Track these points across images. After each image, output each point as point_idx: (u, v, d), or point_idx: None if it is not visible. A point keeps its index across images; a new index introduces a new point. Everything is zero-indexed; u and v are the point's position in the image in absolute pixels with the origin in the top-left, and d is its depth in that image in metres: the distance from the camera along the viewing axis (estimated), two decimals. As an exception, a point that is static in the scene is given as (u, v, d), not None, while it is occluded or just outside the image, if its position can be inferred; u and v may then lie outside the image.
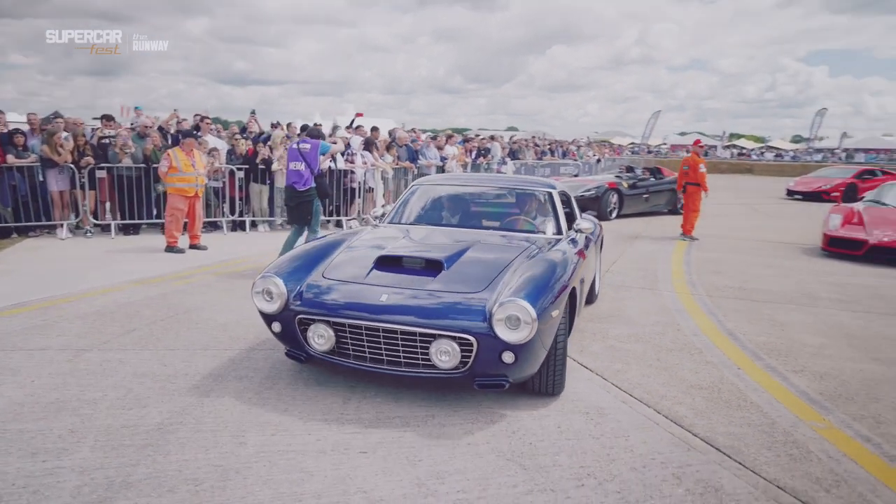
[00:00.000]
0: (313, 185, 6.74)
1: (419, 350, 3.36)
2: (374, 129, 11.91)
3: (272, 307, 3.64)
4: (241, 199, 9.97)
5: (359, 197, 10.74)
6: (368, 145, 10.94)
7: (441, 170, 13.70)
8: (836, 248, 8.91)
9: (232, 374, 3.96)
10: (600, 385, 3.92)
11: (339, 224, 10.59)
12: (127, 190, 9.16)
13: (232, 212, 9.95)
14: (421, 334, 3.32)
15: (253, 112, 11.38)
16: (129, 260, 7.49)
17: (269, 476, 2.76)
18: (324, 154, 6.86)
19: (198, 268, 7.18)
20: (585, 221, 4.96)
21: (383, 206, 11.82)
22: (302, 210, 6.78)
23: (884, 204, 9.64)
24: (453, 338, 3.26)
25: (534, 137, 21.86)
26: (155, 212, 9.56)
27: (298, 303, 3.59)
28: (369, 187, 11.06)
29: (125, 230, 9.38)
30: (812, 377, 4.17)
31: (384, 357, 3.44)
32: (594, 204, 12.74)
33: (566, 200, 5.25)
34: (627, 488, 2.72)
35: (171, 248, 8.00)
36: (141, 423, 3.24)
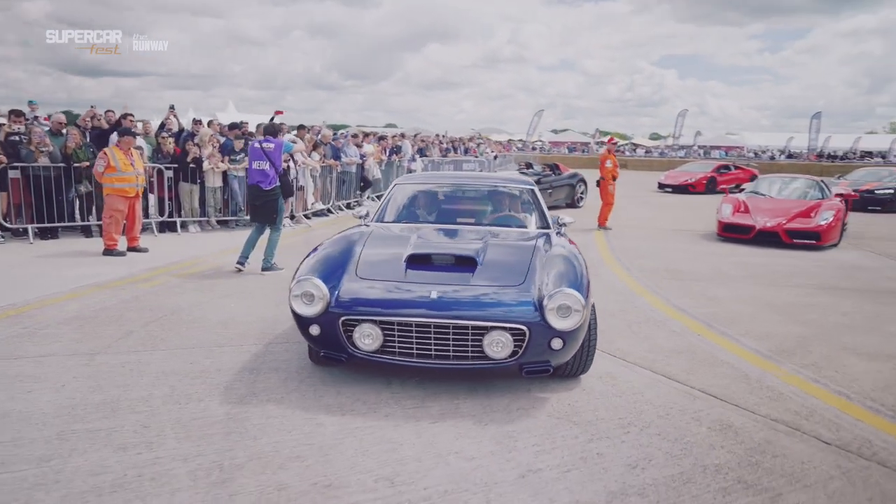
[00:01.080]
0: (278, 183, 6.81)
1: (470, 343, 3.49)
2: (301, 127, 11.88)
3: (313, 310, 3.59)
4: (170, 199, 9.62)
5: (292, 196, 10.70)
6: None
7: (360, 167, 13.93)
8: (730, 233, 10.26)
9: (264, 367, 4.11)
10: (598, 355, 4.48)
11: (272, 223, 10.50)
12: (45, 192, 8.56)
13: (161, 212, 9.59)
14: (474, 327, 3.46)
15: (172, 107, 10.93)
16: (70, 265, 7.10)
17: (364, 448, 3.04)
18: (287, 153, 6.94)
19: (152, 270, 6.97)
20: (567, 216, 5.36)
21: (313, 203, 11.87)
22: (268, 209, 6.83)
23: (762, 194, 11.22)
24: (506, 329, 3.46)
25: (437, 136, 22.49)
26: (78, 214, 9.02)
27: (337, 304, 3.59)
28: (300, 186, 11.06)
29: (42, 235, 8.76)
30: (757, 338, 5.03)
31: (433, 352, 3.54)
32: None
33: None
34: (664, 431, 3.30)
35: (110, 252, 7.65)
36: (207, 414, 3.36)
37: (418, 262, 3.93)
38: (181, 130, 10.85)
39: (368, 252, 4.12)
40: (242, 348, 4.45)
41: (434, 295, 3.56)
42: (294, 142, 7.69)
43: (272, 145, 6.76)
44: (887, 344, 4.97)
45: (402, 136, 18.61)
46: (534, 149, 46.89)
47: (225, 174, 9.97)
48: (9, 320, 4.94)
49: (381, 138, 16.43)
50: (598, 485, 2.76)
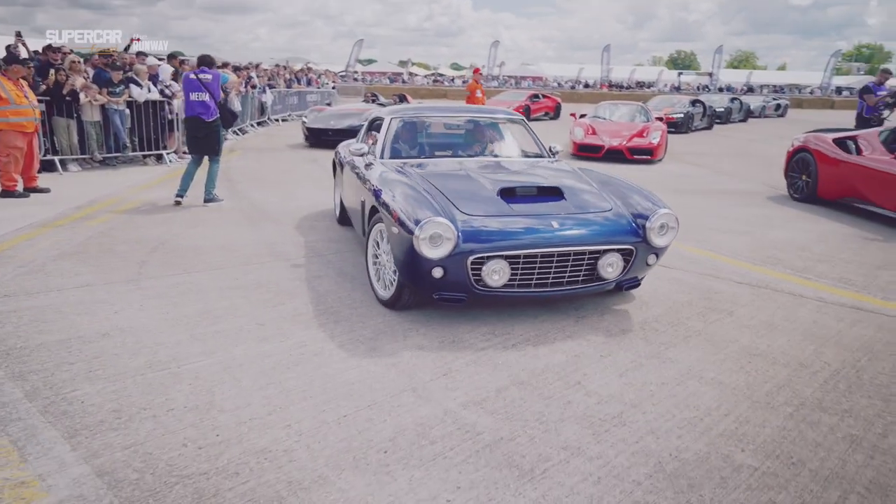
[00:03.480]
0: (218, 115, 6.87)
1: (584, 267, 3.72)
2: (173, 56, 11.21)
3: (441, 252, 3.42)
4: (45, 135, 8.81)
5: (177, 129, 10.30)
6: (176, 75, 10.43)
7: (224, 100, 13.47)
8: (583, 152, 12.10)
9: (308, 275, 4.67)
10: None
11: (159, 158, 10.09)
12: None
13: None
14: (590, 252, 3.68)
15: (18, 34, 9.72)
16: (-22, 209, 6.54)
17: (460, 314, 3.91)
18: (224, 84, 6.98)
19: (80, 209, 6.70)
20: (556, 145, 5.49)
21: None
22: (210, 140, 6.87)
23: (604, 118, 13.24)
24: (618, 250, 3.75)
25: (278, 66, 21.77)
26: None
27: (466, 242, 3.48)
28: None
29: None
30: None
31: (549, 280, 3.69)
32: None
33: None
34: (644, 286, 4.60)
35: (9, 193, 7.09)
36: (302, 311, 3.94)
37: (508, 195, 3.95)
38: (29, 57, 9.77)
39: (449, 189, 3.98)
40: (266, 265, 4.91)
41: (556, 225, 3.67)
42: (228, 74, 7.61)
43: (209, 76, 6.77)
44: (731, 224, 6.86)
45: (251, 65, 17.91)
46: (355, 80, 46.60)
47: (104, 108, 9.32)
48: (-9, 262, 4.77)
49: (237, 69, 15.78)
50: (653, 310, 3.97)
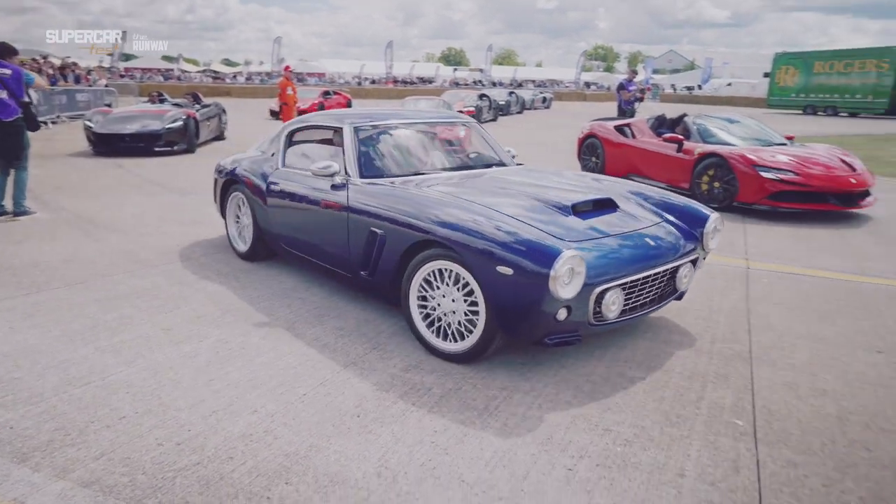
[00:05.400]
0: (21, 114, 6.10)
1: (666, 282, 3.49)
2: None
3: (573, 289, 2.86)
4: None
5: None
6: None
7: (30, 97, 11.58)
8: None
9: (186, 279, 4.54)
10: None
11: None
12: None
13: None
14: (673, 267, 3.45)
15: None
16: None
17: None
18: (29, 85, 6.19)
19: None
20: (510, 148, 5.06)
21: None
22: (10, 143, 6.08)
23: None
24: (691, 261, 3.60)
25: (34, 59, 18.92)
26: None
27: (590, 274, 2.96)
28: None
29: None
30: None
31: (640, 302, 3.35)
32: (183, 134, 11.91)
33: None
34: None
35: None
36: (207, 311, 3.92)
37: (577, 212, 3.42)
38: None
39: (515, 212, 3.28)
40: (136, 274, 4.64)
41: (652, 243, 3.38)
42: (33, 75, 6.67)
43: (8, 71, 5.99)
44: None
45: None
46: (122, 76, 42.10)
47: None
48: None
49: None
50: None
